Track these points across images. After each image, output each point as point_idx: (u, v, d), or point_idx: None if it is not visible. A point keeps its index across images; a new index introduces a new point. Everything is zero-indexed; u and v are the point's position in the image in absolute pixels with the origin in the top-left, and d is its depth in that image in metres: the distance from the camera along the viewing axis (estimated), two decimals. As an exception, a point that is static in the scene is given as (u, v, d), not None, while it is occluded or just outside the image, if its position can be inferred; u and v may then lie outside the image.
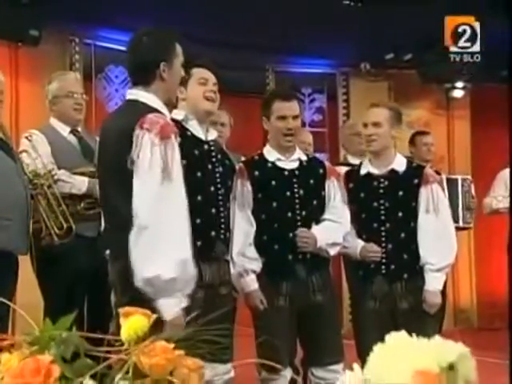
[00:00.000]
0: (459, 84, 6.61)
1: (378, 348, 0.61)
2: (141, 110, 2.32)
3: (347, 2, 5.10)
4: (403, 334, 0.59)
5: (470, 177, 5.03)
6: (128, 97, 2.48)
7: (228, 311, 2.74)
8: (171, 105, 2.70)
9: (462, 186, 4.74)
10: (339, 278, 4.28)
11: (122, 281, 2.25)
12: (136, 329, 0.96)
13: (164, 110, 2.39)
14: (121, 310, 1.03)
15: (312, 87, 6.93)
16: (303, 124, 5.77)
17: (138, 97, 2.40)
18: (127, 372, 0.93)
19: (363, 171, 3.18)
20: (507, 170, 4.92)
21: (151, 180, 2.19)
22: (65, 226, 2.93)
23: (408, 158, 3.46)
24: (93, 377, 1.02)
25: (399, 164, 3.15)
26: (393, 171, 3.13)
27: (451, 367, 0.54)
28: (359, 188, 3.16)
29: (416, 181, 3.10)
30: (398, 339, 0.59)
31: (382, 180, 3.11)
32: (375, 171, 3.14)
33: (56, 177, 3.00)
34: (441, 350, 0.55)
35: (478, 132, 6.78)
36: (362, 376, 0.62)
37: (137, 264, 2.13)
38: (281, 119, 2.97)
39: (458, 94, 6.71)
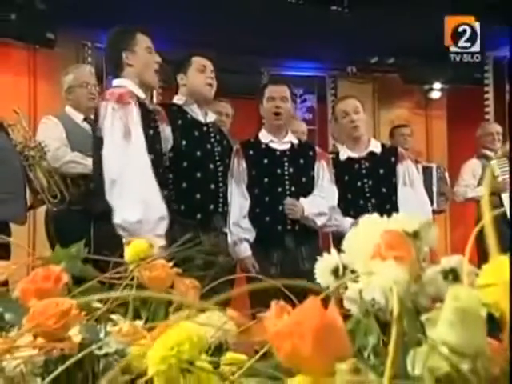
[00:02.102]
0: (437, 86, 6.62)
1: (351, 231, 0.62)
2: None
3: (334, 8, 5.10)
4: (374, 215, 0.60)
5: (444, 165, 5.06)
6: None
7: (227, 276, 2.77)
8: (151, 85, 2.70)
9: (437, 172, 4.77)
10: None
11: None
12: (139, 252, 0.97)
13: (132, 87, 2.47)
14: (124, 240, 1.04)
15: (303, 89, 6.94)
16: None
17: (116, 84, 2.51)
18: (130, 289, 0.95)
19: (343, 157, 3.23)
20: (474, 161, 4.96)
21: (114, 140, 2.30)
22: (58, 195, 2.93)
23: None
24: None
25: (375, 146, 3.24)
26: (371, 153, 3.19)
27: (416, 236, 0.56)
28: (342, 172, 3.20)
29: (393, 159, 3.19)
30: (368, 218, 0.60)
31: (362, 162, 3.18)
32: (355, 155, 3.20)
33: (46, 149, 3.01)
34: (406, 219, 0.56)
35: (453, 130, 6.79)
36: (339, 258, 0.63)
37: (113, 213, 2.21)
38: (270, 100, 3.04)
39: (435, 95, 6.73)
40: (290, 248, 2.94)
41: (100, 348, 0.68)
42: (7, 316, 0.91)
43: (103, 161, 2.29)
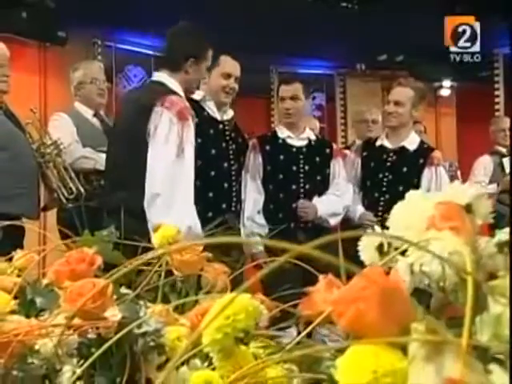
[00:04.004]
0: (446, 83, 6.61)
1: (396, 207, 0.61)
2: (163, 90, 2.35)
3: (344, 5, 5.08)
4: (420, 190, 0.59)
5: (456, 163, 5.04)
6: (153, 78, 2.51)
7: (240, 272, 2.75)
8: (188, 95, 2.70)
9: (449, 170, 4.75)
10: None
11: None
12: (167, 236, 0.96)
13: (179, 90, 2.42)
14: (152, 227, 1.03)
15: (312, 87, 6.91)
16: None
17: (163, 79, 2.43)
18: (159, 276, 0.94)
19: (378, 143, 3.19)
20: (486, 157, 4.92)
21: (166, 154, 2.23)
22: (74, 190, 2.92)
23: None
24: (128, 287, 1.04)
25: (411, 142, 3.14)
26: (403, 148, 3.12)
27: (468, 209, 0.55)
28: (370, 157, 3.18)
29: (422, 160, 3.09)
30: (414, 193, 0.59)
31: (391, 154, 3.12)
32: (388, 145, 3.15)
33: (62, 146, 3.00)
34: (457, 192, 0.55)
35: (462, 127, 6.78)
36: (383, 236, 0.62)
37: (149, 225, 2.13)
38: (281, 100, 3.03)
39: (445, 92, 6.72)
40: (302, 244, 2.91)
41: (139, 326, 0.67)
42: (38, 300, 0.91)
43: (149, 170, 2.21)
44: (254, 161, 2.97)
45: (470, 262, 0.39)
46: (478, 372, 0.31)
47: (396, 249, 0.62)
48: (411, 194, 0.59)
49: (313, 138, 3.08)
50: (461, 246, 0.46)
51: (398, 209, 0.60)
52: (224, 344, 0.47)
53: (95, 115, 3.38)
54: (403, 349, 0.39)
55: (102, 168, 3.14)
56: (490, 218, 0.54)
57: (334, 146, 3.18)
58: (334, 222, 3.00)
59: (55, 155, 2.94)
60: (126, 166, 2.32)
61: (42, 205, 3.03)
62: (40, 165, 2.89)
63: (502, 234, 0.50)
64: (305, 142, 3.05)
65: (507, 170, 4.64)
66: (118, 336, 0.57)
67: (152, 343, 0.70)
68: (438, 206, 0.51)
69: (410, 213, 0.57)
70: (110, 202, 2.39)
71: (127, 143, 2.33)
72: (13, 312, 0.91)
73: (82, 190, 2.94)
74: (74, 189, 2.92)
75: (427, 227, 0.51)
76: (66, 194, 2.90)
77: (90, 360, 0.56)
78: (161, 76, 2.44)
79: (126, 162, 2.32)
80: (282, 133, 3.05)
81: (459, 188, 0.55)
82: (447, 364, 0.32)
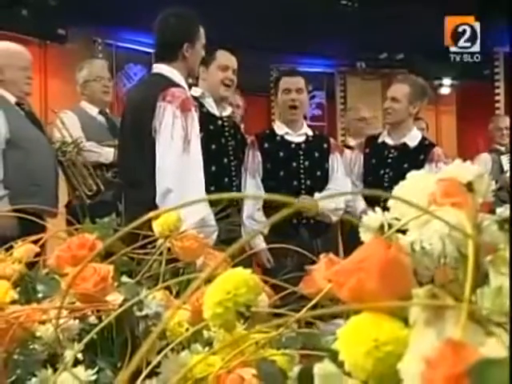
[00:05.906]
0: (446, 81, 6.61)
1: (397, 187, 0.61)
2: (164, 82, 2.35)
3: (344, 3, 5.08)
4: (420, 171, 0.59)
5: (457, 160, 5.03)
6: (153, 70, 2.50)
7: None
8: (191, 80, 2.71)
9: (450, 167, 4.74)
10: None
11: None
12: (168, 224, 0.96)
13: (185, 85, 2.42)
14: (151, 213, 1.03)
15: (312, 85, 6.91)
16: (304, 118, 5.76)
17: (162, 71, 2.43)
18: (160, 263, 0.94)
19: (380, 139, 3.20)
20: (485, 155, 4.92)
21: (173, 149, 2.22)
22: (94, 187, 2.97)
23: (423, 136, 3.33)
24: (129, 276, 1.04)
25: (412, 139, 3.14)
26: (404, 144, 3.13)
27: (469, 187, 0.54)
28: (372, 154, 3.18)
29: (422, 156, 3.09)
30: (416, 173, 0.59)
31: (392, 150, 3.12)
32: (390, 141, 3.15)
33: (82, 145, 3.04)
34: (458, 170, 0.55)
35: (462, 125, 6.79)
36: (383, 216, 0.62)
37: None
38: (285, 92, 3.01)
39: (445, 90, 6.72)
40: (304, 240, 2.91)
41: (140, 309, 0.67)
42: (39, 287, 0.91)
43: (158, 167, 2.21)
44: (253, 158, 2.97)
45: (471, 226, 0.39)
46: (478, 335, 0.31)
47: (397, 230, 0.63)
48: (412, 174, 0.59)
49: (310, 133, 3.09)
50: (462, 220, 0.46)
51: (400, 188, 0.60)
52: (225, 318, 0.47)
53: (100, 112, 3.41)
54: (404, 319, 0.39)
55: (107, 161, 3.18)
56: (490, 197, 0.54)
57: (332, 141, 3.18)
58: (335, 217, 2.99)
59: (76, 153, 3.00)
60: (135, 164, 2.31)
61: (64, 202, 3.10)
62: (61, 163, 2.96)
63: (502, 210, 0.50)
64: (303, 138, 3.05)
65: (505, 168, 4.65)
66: (118, 311, 0.57)
67: (153, 327, 0.71)
68: (439, 182, 0.51)
69: (412, 191, 0.57)
70: (121, 196, 2.38)
71: (135, 141, 2.32)
72: (14, 302, 0.91)
73: (101, 186, 2.98)
74: (93, 185, 2.97)
75: (428, 204, 0.51)
76: (86, 191, 2.95)
77: (89, 336, 0.56)
78: (160, 68, 2.44)
79: (135, 160, 2.31)
80: (281, 129, 3.05)
81: (461, 166, 0.55)
82: (448, 328, 0.33)
